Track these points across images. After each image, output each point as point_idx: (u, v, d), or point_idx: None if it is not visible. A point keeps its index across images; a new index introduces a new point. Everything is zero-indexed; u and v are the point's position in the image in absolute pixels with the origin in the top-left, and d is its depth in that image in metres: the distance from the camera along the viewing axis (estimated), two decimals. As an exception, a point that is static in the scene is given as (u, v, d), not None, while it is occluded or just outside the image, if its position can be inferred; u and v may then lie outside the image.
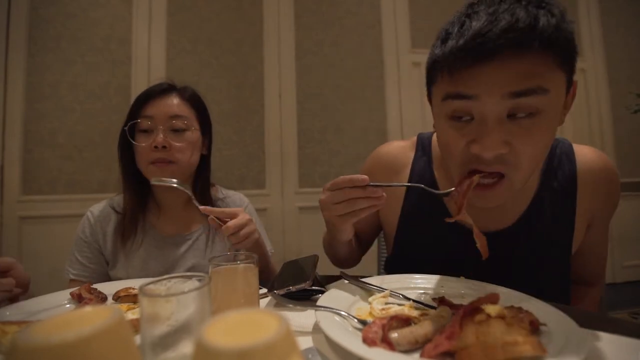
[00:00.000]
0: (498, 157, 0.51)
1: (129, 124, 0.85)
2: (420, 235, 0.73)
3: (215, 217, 0.74)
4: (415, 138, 0.78)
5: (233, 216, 0.75)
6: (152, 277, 0.63)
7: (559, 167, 0.64)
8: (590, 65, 3.22)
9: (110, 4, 2.38)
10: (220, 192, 1.03)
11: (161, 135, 0.83)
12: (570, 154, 0.65)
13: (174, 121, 0.85)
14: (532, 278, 0.56)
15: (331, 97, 2.70)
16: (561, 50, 0.48)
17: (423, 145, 0.76)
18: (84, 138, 2.29)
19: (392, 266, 0.81)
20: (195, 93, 0.93)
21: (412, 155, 0.75)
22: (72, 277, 0.88)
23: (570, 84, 0.53)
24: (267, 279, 0.91)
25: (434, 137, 0.73)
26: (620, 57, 3.27)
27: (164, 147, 0.83)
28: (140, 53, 2.40)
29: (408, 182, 0.73)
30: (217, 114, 2.51)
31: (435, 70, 0.55)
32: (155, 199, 0.94)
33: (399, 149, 0.78)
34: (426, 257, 0.71)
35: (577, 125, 3.16)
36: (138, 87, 2.35)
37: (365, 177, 0.55)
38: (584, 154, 0.66)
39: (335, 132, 2.69)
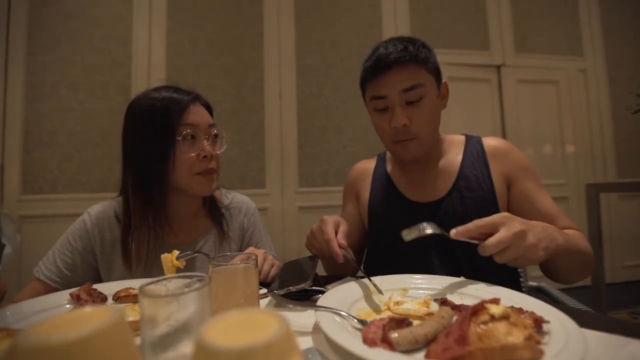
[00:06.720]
0: (406, 127, 0.81)
1: (183, 133, 0.77)
2: (386, 219, 0.92)
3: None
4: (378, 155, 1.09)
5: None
6: None
7: (473, 148, 0.92)
8: (590, 65, 3.21)
9: (110, 4, 2.38)
10: (224, 196, 0.98)
11: (208, 145, 0.79)
12: (479, 140, 0.93)
13: (213, 130, 0.83)
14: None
15: (331, 97, 2.70)
16: (424, 63, 0.81)
17: (380, 156, 1.06)
18: (84, 138, 2.29)
19: (371, 256, 0.97)
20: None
21: (373, 165, 1.04)
22: (40, 277, 0.80)
23: (439, 82, 0.86)
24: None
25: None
26: (620, 57, 3.26)
27: (211, 156, 0.80)
28: (140, 53, 2.40)
29: (370, 182, 0.99)
30: (217, 114, 2.49)
31: (364, 81, 0.88)
32: (166, 211, 0.86)
33: (364, 163, 1.06)
34: (392, 240, 0.86)
35: (577, 125, 3.16)
36: (138, 87, 2.35)
37: (332, 235, 0.70)
38: (487, 139, 0.94)
39: (335, 132, 2.69)
